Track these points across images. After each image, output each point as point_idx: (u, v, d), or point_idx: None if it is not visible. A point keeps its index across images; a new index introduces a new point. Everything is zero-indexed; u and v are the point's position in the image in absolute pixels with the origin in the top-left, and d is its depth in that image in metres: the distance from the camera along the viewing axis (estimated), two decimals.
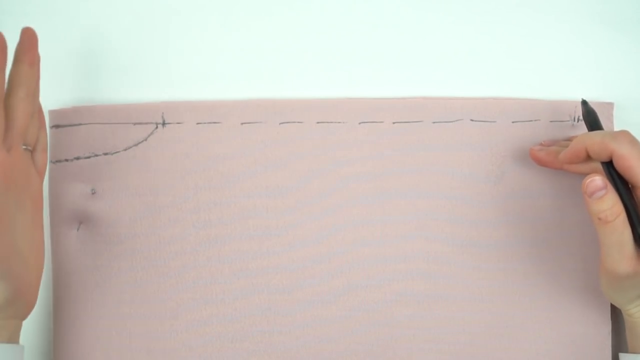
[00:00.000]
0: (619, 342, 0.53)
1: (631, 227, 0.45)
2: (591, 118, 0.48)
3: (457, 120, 0.52)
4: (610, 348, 0.52)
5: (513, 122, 0.52)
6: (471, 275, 0.52)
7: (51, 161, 0.52)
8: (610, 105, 0.52)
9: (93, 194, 0.52)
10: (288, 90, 0.53)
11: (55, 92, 0.52)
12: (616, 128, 0.52)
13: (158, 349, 0.52)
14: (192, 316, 0.52)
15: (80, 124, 0.52)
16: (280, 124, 0.52)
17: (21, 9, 0.52)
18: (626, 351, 0.51)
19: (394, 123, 0.52)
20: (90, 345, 0.51)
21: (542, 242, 0.52)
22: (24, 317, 0.47)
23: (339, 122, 0.52)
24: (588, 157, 0.47)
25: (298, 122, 0.52)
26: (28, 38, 0.45)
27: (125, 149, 0.52)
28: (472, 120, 0.52)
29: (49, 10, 0.52)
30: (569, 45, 0.52)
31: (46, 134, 0.49)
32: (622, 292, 0.47)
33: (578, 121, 0.52)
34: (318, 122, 0.52)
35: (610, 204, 0.45)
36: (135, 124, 0.52)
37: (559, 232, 0.52)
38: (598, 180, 0.45)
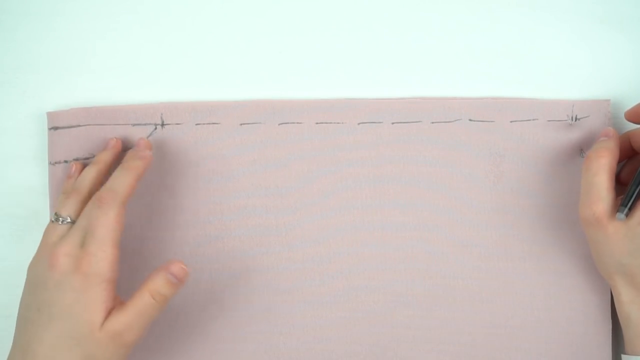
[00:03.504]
0: (619, 342, 0.52)
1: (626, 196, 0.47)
2: None
3: (455, 120, 0.52)
4: (610, 348, 0.52)
5: (511, 121, 0.52)
6: (471, 275, 0.52)
7: (50, 163, 0.51)
8: (606, 102, 0.52)
9: None
10: (287, 90, 0.53)
11: (54, 93, 0.52)
12: (612, 125, 0.52)
13: (158, 349, 0.52)
14: (192, 316, 0.52)
15: (79, 126, 0.51)
16: (279, 124, 0.52)
17: (21, 9, 0.52)
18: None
19: (393, 123, 0.52)
20: None
21: (542, 242, 0.52)
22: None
23: (338, 123, 0.52)
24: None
25: (297, 123, 0.52)
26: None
27: (125, 150, 0.52)
28: (470, 120, 0.52)
29: (49, 10, 0.52)
30: (567, 44, 0.53)
31: None
32: (597, 254, 0.49)
33: (576, 120, 0.52)
34: (317, 123, 0.52)
35: (599, 146, 0.48)
36: (134, 125, 0.52)
37: (559, 232, 0.52)
38: (610, 130, 0.50)
